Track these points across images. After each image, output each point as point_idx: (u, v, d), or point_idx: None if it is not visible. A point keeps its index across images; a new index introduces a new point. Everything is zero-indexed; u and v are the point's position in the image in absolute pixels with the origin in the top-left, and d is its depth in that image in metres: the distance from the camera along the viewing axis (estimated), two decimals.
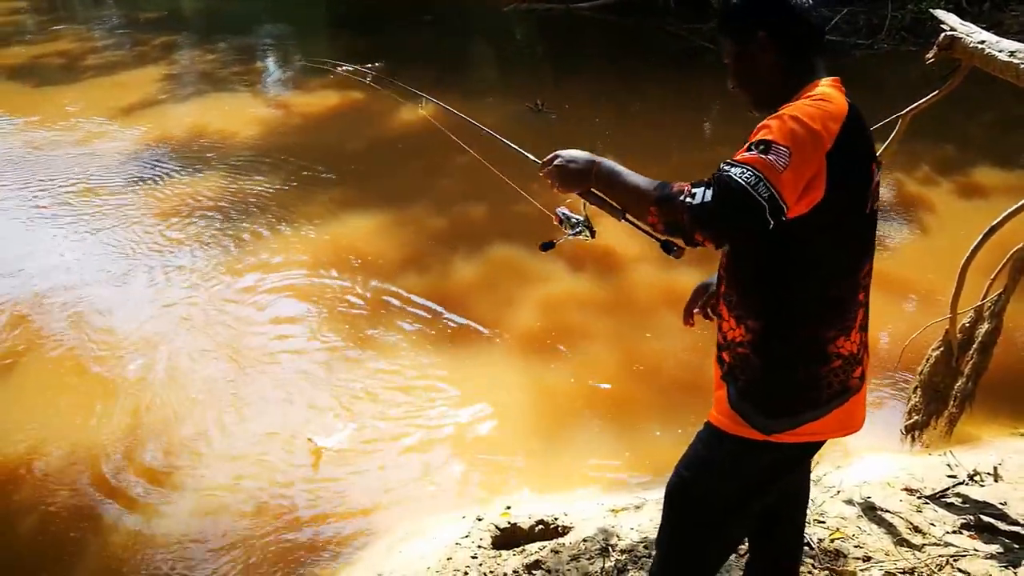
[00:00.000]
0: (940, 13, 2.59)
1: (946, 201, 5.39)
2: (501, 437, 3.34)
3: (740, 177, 1.31)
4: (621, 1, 10.14)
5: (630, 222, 1.59)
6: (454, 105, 1.87)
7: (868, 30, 8.45)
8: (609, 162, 1.56)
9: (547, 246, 1.81)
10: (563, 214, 1.77)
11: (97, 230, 5.11)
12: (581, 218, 1.74)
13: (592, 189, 1.58)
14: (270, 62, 9.57)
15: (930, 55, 2.53)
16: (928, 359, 2.69)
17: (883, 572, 2.27)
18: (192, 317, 4.19)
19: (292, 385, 3.69)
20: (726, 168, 1.33)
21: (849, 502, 2.72)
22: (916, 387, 2.74)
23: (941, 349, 2.63)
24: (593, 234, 1.76)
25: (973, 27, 2.48)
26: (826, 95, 1.44)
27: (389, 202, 5.39)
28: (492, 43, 10.55)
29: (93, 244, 4.95)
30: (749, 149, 1.35)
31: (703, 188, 1.33)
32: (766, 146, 1.33)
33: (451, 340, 3.96)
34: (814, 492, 2.81)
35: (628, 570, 2.42)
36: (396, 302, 4.28)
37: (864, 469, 2.98)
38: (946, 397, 2.66)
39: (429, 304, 4.24)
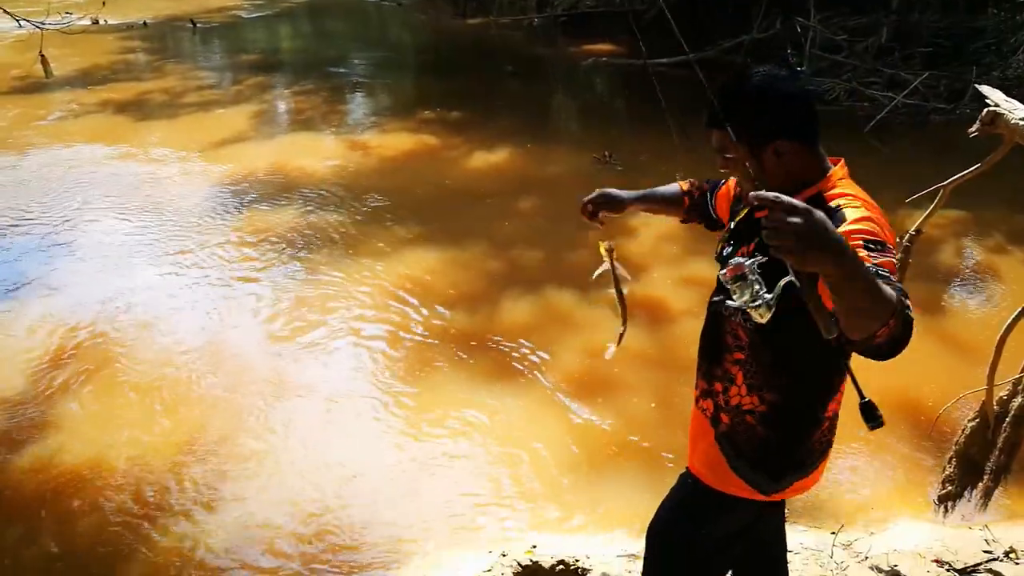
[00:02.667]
0: (985, 89, 2.61)
1: (1004, 270, 5.27)
2: (532, 475, 3.41)
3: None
4: (698, 59, 10.26)
5: (837, 340, 1.21)
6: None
7: (949, 95, 8.31)
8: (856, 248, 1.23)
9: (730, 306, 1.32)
10: (751, 267, 1.25)
11: (178, 256, 5.46)
12: (769, 293, 1.24)
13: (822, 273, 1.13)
14: (354, 104, 10.02)
15: (973, 129, 2.55)
16: (964, 430, 2.64)
17: None
18: (257, 343, 4.43)
19: (338, 411, 3.87)
20: (894, 280, 1.25)
21: (875, 568, 2.69)
22: (951, 457, 2.69)
23: (977, 420, 2.59)
24: (767, 316, 1.26)
25: (1017, 104, 2.49)
26: (857, 192, 1.50)
27: (450, 242, 5.59)
28: (570, 95, 10.80)
29: (172, 269, 5.29)
30: (880, 251, 1.29)
31: (907, 300, 1.22)
32: (887, 247, 1.32)
33: (494, 377, 4.08)
34: (841, 555, 2.79)
35: None
36: (446, 337, 4.42)
37: (896, 537, 2.93)
38: (981, 469, 2.60)
39: (476, 342, 4.37)
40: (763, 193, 1.09)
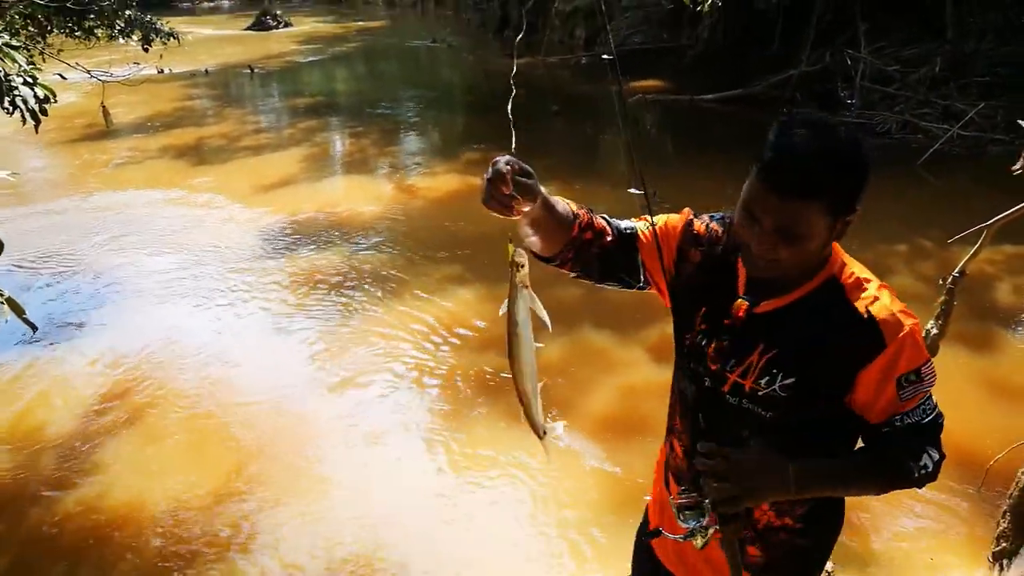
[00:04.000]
0: None
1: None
2: (567, 516, 3.36)
3: (935, 412, 1.35)
4: (745, 94, 10.20)
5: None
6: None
7: (1007, 126, 8.05)
8: (808, 461, 1.30)
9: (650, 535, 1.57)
10: (684, 507, 1.32)
11: (226, 298, 5.60)
12: (703, 520, 1.29)
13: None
14: (402, 146, 10.21)
15: (1018, 167, 2.46)
16: (1018, 481, 2.50)
17: None
18: (300, 385, 4.49)
19: (377, 453, 3.87)
20: (925, 412, 1.32)
21: None
22: (1005, 511, 2.55)
23: None
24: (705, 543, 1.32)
25: None
26: (868, 274, 1.37)
27: (493, 281, 5.59)
28: (616, 132, 10.81)
29: (220, 311, 5.42)
30: (916, 380, 1.30)
31: (927, 455, 1.31)
32: (923, 373, 1.31)
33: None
34: None
35: None
36: (485, 379, 4.40)
37: None
38: None
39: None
40: (715, 450, 1.28)
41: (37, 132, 4.16)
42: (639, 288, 1.53)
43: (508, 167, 1.27)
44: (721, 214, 1.51)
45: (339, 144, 10.47)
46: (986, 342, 4.54)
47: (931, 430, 1.33)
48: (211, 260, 6.29)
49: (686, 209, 1.55)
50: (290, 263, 6.15)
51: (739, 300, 1.38)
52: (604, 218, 1.49)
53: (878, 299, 1.30)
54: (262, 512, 3.49)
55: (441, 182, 8.08)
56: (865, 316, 1.28)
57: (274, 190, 8.06)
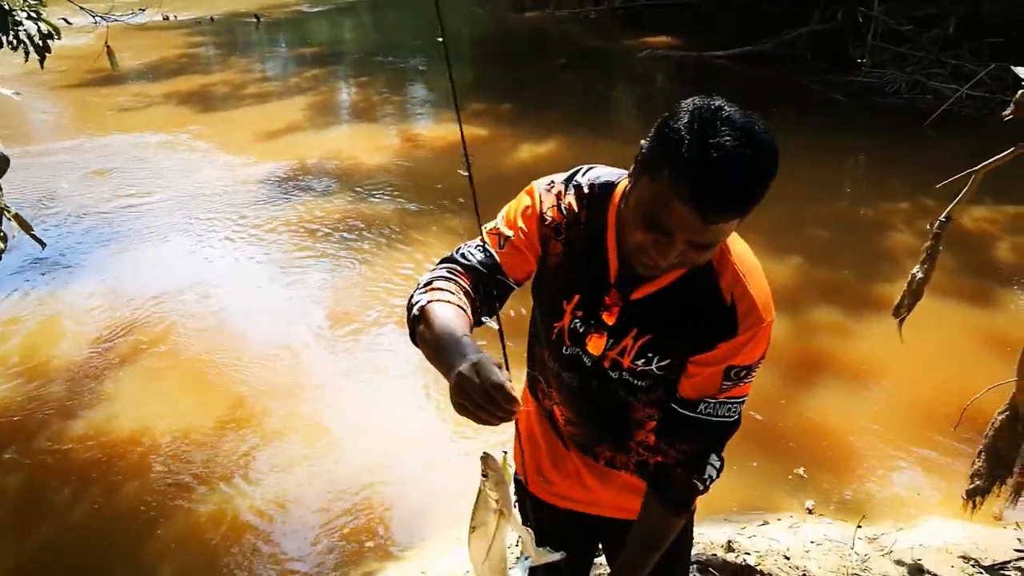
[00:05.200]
0: (1021, 70, 2.53)
1: (1018, 256, 5.13)
2: None
3: (738, 415, 1.34)
4: (755, 52, 10.08)
5: None
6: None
7: (1016, 85, 7.97)
8: (623, 562, 1.42)
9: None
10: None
11: (230, 242, 5.66)
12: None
13: None
14: (408, 96, 10.14)
15: (1008, 112, 2.47)
16: (993, 423, 2.56)
17: None
18: (305, 328, 4.56)
19: (378, 395, 3.97)
20: (730, 411, 1.31)
21: (899, 563, 2.65)
22: (980, 451, 2.62)
23: (1006, 413, 2.51)
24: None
25: None
26: (742, 256, 1.31)
27: None
28: (624, 87, 10.75)
29: (224, 254, 5.49)
30: (738, 379, 1.29)
31: (713, 461, 1.34)
32: (752, 371, 1.30)
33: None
34: (864, 548, 2.75)
35: None
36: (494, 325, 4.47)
37: (924, 533, 2.87)
38: (1010, 464, 2.53)
39: (519, 331, 4.40)
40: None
41: (42, 68, 4.17)
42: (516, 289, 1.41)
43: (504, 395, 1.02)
44: (567, 177, 1.37)
45: (344, 93, 10.43)
46: (968, 293, 4.58)
47: (726, 430, 1.33)
48: (215, 204, 6.34)
49: (529, 187, 1.39)
50: (294, 209, 6.20)
51: (612, 291, 1.31)
52: (462, 271, 1.33)
53: (745, 284, 1.25)
54: (260, 447, 3.59)
55: (445, 132, 8.07)
56: (728, 302, 1.25)
57: (279, 137, 8.07)
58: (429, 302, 1.23)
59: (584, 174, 1.37)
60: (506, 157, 7.32)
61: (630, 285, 1.29)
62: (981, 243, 5.23)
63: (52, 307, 4.82)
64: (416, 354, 4.07)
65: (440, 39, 1.28)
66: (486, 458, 1.10)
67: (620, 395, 1.40)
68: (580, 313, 1.36)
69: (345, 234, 5.72)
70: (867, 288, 4.71)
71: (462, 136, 1.35)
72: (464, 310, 1.24)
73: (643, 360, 1.33)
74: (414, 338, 1.26)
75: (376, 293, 4.90)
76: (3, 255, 2.41)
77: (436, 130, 8.27)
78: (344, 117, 9.29)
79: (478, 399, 1.02)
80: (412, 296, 1.27)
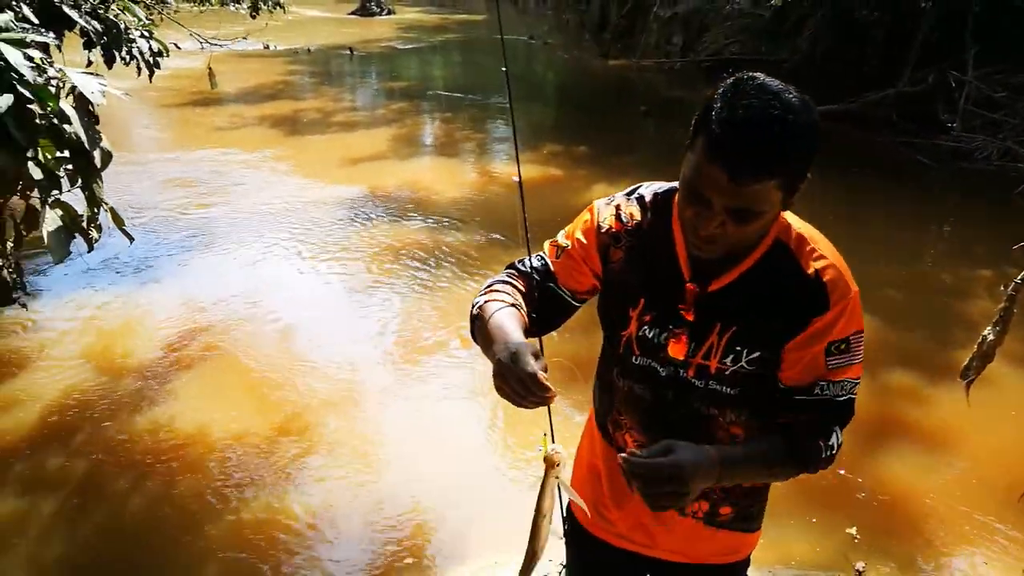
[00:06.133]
0: None
1: None
2: None
3: (854, 396, 1.30)
4: (840, 110, 9.96)
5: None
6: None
7: None
8: (725, 449, 1.25)
9: None
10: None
11: (306, 261, 5.86)
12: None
13: None
14: (488, 134, 10.39)
15: None
16: None
17: None
18: (371, 349, 4.66)
19: (439, 422, 4.01)
20: (843, 390, 1.28)
21: None
22: None
23: None
24: None
25: None
26: (814, 233, 1.31)
27: None
28: None
29: (299, 272, 5.69)
30: (845, 350, 1.26)
31: (835, 434, 1.28)
32: (853, 344, 1.27)
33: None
34: None
35: None
36: (555, 365, 4.47)
37: None
38: None
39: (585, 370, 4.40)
40: (643, 462, 1.16)
41: (151, 81, 4.47)
42: (579, 306, 1.46)
43: (534, 376, 1.15)
44: (628, 192, 1.41)
45: (428, 127, 10.75)
46: None
47: (845, 410, 1.29)
48: (297, 223, 6.59)
49: (590, 206, 1.43)
50: (369, 233, 6.39)
51: (688, 285, 1.29)
52: (519, 275, 1.44)
53: (825, 258, 1.25)
54: (312, 457, 3.66)
55: (524, 170, 8.20)
56: (812, 275, 1.23)
57: (361, 164, 8.36)
58: (486, 301, 1.35)
59: (646, 187, 1.40)
60: (578, 196, 7.39)
61: (707, 277, 1.27)
62: None
63: (131, 305, 5.07)
64: (473, 381, 4.12)
65: (504, 69, 1.41)
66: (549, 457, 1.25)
67: (703, 410, 1.33)
68: (649, 317, 1.33)
69: (415, 260, 5.86)
70: (942, 353, 4.56)
71: (517, 160, 1.43)
72: (517, 308, 1.33)
73: (732, 357, 1.27)
74: (474, 337, 1.37)
75: (441, 319, 4.99)
76: (96, 245, 2.57)
77: (513, 168, 8.40)
78: (425, 150, 9.57)
79: (514, 384, 1.14)
80: (473, 300, 1.40)
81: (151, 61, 4.32)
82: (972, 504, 3.33)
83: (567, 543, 1.66)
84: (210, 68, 6.50)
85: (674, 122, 10.94)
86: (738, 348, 1.27)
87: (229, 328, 4.79)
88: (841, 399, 1.28)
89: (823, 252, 1.26)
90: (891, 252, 6.09)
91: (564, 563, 1.75)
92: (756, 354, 1.26)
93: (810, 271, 1.24)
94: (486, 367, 4.15)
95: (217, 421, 3.88)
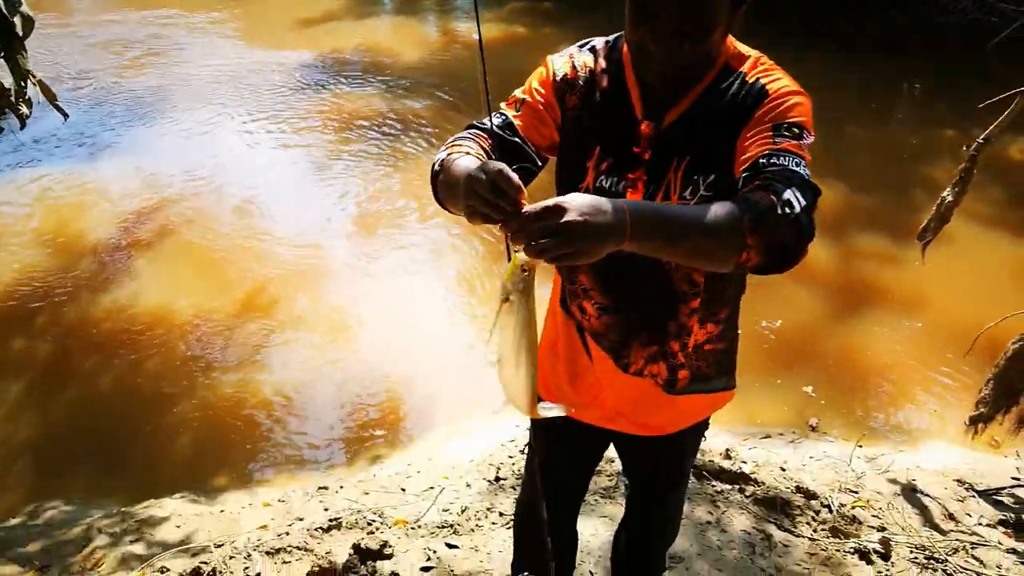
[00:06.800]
0: None
1: None
2: None
3: (808, 176, 1.12)
4: None
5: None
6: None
7: None
8: (642, 201, 1.13)
9: None
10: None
11: (262, 133, 5.65)
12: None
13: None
14: None
15: None
16: (1006, 352, 2.54)
17: (881, 538, 2.24)
18: (332, 223, 4.58)
19: (402, 293, 4.00)
20: (796, 164, 1.12)
21: (893, 481, 2.67)
22: (989, 379, 2.60)
23: (1020, 343, 2.48)
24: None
25: None
26: (784, 74, 1.26)
27: None
28: None
29: (256, 144, 5.49)
30: (792, 134, 1.16)
31: (791, 192, 1.06)
32: (803, 132, 1.17)
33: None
34: (861, 466, 2.78)
35: None
36: None
37: (923, 456, 2.90)
38: (1017, 393, 2.51)
39: None
40: (526, 211, 0.96)
41: None
42: (542, 167, 1.38)
43: (508, 181, 1.01)
44: (580, 44, 1.39)
45: None
46: (994, 220, 4.46)
47: (798, 177, 1.10)
48: (248, 90, 6.31)
49: (544, 60, 1.41)
50: (327, 101, 6.15)
51: (643, 123, 1.27)
52: (482, 132, 1.34)
53: (772, 72, 1.25)
54: (280, 334, 3.67)
55: (485, 30, 7.85)
56: (757, 84, 1.23)
57: (317, 25, 7.96)
58: (448, 155, 1.25)
59: (596, 39, 1.39)
60: (542, 57, 7.13)
61: (659, 111, 1.26)
62: (1003, 168, 5.01)
63: (84, 182, 4.90)
64: (442, 252, 4.06)
65: None
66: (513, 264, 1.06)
67: (657, 259, 1.25)
68: (606, 166, 1.31)
69: (373, 128, 5.68)
70: (906, 215, 4.58)
71: (478, 22, 1.33)
72: (482, 159, 1.24)
73: (690, 188, 1.25)
74: (436, 196, 1.27)
75: (403, 187, 4.89)
76: (28, 121, 2.42)
77: (472, 26, 8.06)
78: (383, 8, 9.10)
79: (484, 193, 1.02)
80: (434, 159, 1.28)
81: None
82: (924, 359, 3.45)
83: (531, 423, 1.69)
84: None
85: None
86: (695, 177, 1.24)
87: (185, 203, 4.67)
88: (795, 168, 1.12)
89: (769, 68, 1.25)
90: (862, 116, 6.01)
91: (528, 442, 1.78)
92: (712, 176, 1.24)
93: (752, 81, 1.23)
94: (448, 236, 4.09)
95: (180, 299, 3.85)
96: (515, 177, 1.02)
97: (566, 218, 0.94)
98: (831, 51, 7.22)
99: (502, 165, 1.02)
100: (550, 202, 0.96)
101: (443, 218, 4.53)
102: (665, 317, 1.40)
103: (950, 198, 2.54)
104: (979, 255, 4.13)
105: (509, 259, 1.08)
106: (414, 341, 3.66)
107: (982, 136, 2.45)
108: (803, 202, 1.06)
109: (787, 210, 1.04)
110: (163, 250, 4.24)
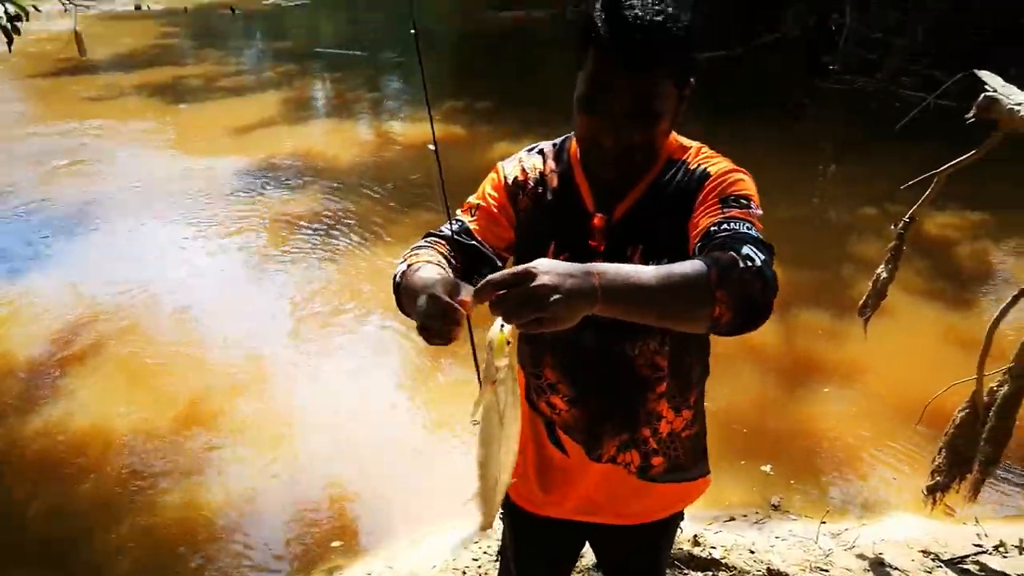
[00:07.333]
0: (984, 74, 2.55)
1: (985, 259, 5.24)
2: None
3: (761, 236, 1.15)
4: (728, 56, 10.13)
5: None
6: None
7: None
8: (606, 264, 1.01)
9: None
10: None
11: (198, 237, 5.57)
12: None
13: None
14: (382, 94, 10.10)
15: (970, 115, 2.49)
16: (954, 420, 2.60)
17: None
18: (272, 324, 4.48)
19: (349, 392, 3.90)
20: (748, 228, 1.15)
21: (861, 556, 2.67)
22: (941, 448, 2.65)
23: (967, 411, 2.55)
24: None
25: (1014, 89, 2.44)
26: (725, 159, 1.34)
27: None
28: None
29: (192, 248, 5.40)
30: (739, 205, 1.20)
31: (748, 248, 1.07)
32: (749, 202, 1.22)
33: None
34: (828, 543, 2.77)
35: None
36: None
37: (886, 528, 2.91)
38: (970, 460, 2.56)
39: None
40: (493, 278, 0.94)
41: (10, 51, 4.09)
42: (501, 267, 1.39)
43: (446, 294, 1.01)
44: (528, 149, 1.45)
45: (319, 89, 10.35)
46: (947, 298, 4.65)
47: (752, 237, 1.12)
48: (183, 197, 6.25)
49: (494, 167, 1.46)
50: (264, 204, 6.12)
51: (596, 215, 1.32)
52: (439, 240, 1.37)
53: (712, 157, 1.32)
54: (224, 442, 3.52)
55: (419, 129, 8.03)
56: (699, 171, 1.29)
57: (250, 132, 7.98)
58: (408, 267, 1.26)
59: (543, 143, 1.45)
60: (483, 154, 7.29)
61: (609, 204, 1.32)
62: (946, 248, 5.31)
63: (9, 299, 4.71)
64: (386, 350, 4.01)
65: (413, 31, 1.33)
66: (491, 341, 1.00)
67: (627, 350, 1.35)
68: (564, 258, 1.29)
69: (315, 229, 5.66)
70: (837, 291, 4.75)
71: (431, 120, 1.35)
72: (443, 268, 1.26)
73: None
74: (400, 306, 1.27)
75: (343, 287, 4.84)
76: None
77: (410, 127, 8.23)
78: (317, 113, 9.22)
79: (424, 314, 1.02)
80: (395, 270, 1.29)
81: (9, 27, 3.95)
82: (876, 431, 3.51)
83: (504, 521, 1.64)
84: (77, 32, 5.99)
85: (570, 72, 10.95)
86: (650, 263, 1.23)
87: (118, 315, 4.51)
88: (746, 231, 1.14)
89: (710, 155, 1.33)
90: (786, 194, 6.28)
91: (500, 540, 1.72)
92: (666, 260, 1.19)
93: (697, 167, 1.30)
94: (389, 332, 4.06)
95: (116, 416, 3.67)
96: (448, 298, 1.01)
97: (537, 282, 0.92)
98: (753, 129, 7.60)
99: (438, 291, 1.02)
100: (519, 268, 0.94)
101: (382, 314, 4.51)
102: (633, 404, 1.41)
103: (884, 275, 2.64)
104: (917, 327, 4.28)
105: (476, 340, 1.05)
106: (364, 444, 3.55)
107: (907, 215, 2.57)
108: (762, 256, 1.07)
109: (748, 263, 1.04)
110: (96, 365, 4.07)
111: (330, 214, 5.91)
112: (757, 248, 1.08)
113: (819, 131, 8.05)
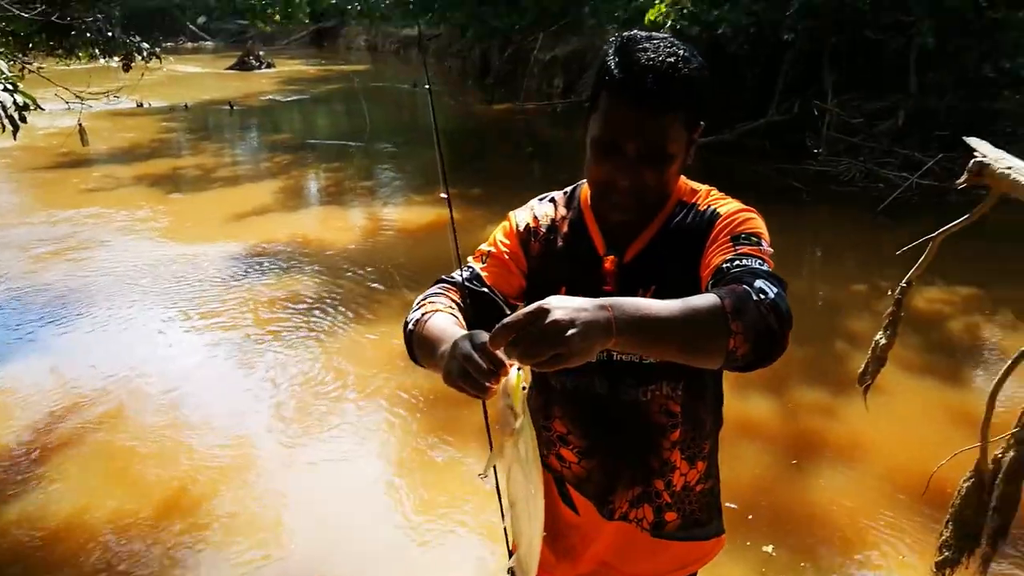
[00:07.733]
0: (973, 141, 2.59)
1: (976, 334, 5.23)
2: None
3: (772, 271, 1.16)
4: (716, 141, 10.39)
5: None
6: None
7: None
8: (618, 297, 1.00)
9: None
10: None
11: (191, 323, 5.54)
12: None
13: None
14: (378, 182, 10.26)
15: (960, 181, 2.52)
16: (960, 490, 2.51)
17: None
18: (265, 411, 4.38)
19: (342, 481, 3.78)
20: (759, 264, 1.17)
21: None
22: (947, 521, 2.55)
23: (972, 480, 2.47)
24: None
25: (1004, 154, 2.47)
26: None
27: None
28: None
29: (183, 336, 5.36)
30: (750, 242, 1.22)
31: (760, 281, 1.08)
32: (760, 240, 1.24)
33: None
34: None
35: None
36: (453, 406, 4.35)
37: None
38: (978, 533, 2.46)
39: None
40: (507, 321, 0.92)
41: (15, 139, 4.16)
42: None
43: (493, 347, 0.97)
44: (541, 197, 1.50)
45: (315, 179, 10.52)
46: (937, 373, 4.60)
47: (764, 271, 1.14)
48: (177, 284, 6.24)
49: (507, 216, 1.50)
50: (257, 291, 6.11)
51: (607, 258, 1.34)
52: (451, 286, 1.39)
53: (721, 199, 1.35)
54: (206, 535, 3.37)
55: (416, 216, 8.14)
56: (709, 212, 1.31)
57: (247, 219, 8.07)
58: (423, 314, 1.27)
59: (554, 192, 1.49)
60: (475, 236, 7.32)
61: (621, 247, 1.33)
62: (936, 323, 5.31)
63: None
64: (372, 434, 3.94)
65: (427, 86, 1.51)
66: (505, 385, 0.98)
67: (640, 395, 1.34)
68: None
69: (305, 314, 5.64)
70: (832, 366, 4.72)
71: (442, 168, 1.51)
72: (456, 315, 1.27)
73: None
74: (412, 355, 1.27)
75: (331, 368, 4.78)
76: None
77: (404, 214, 8.35)
78: (311, 201, 9.36)
79: (457, 367, 0.99)
80: (407, 318, 1.30)
81: (15, 116, 4.03)
82: (880, 505, 3.41)
83: None
84: (80, 125, 6.13)
85: (559, 161, 11.19)
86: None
87: (105, 403, 4.42)
88: (757, 267, 1.16)
89: (720, 197, 1.35)
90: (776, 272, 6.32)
91: None
92: None
93: (707, 209, 1.32)
94: (388, 421, 4.02)
95: (94, 507, 3.54)
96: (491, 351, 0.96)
97: (551, 318, 0.90)
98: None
99: (483, 338, 0.98)
100: (531, 307, 0.93)
101: (372, 396, 4.43)
102: (646, 452, 1.39)
103: (883, 340, 2.60)
104: (914, 400, 4.22)
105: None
106: (357, 538, 3.40)
107: (904, 280, 2.55)
108: (775, 289, 1.08)
109: (762, 296, 1.05)
110: (77, 454, 3.95)
111: (321, 299, 5.88)
112: (770, 282, 1.10)
113: (806, 212, 8.17)
